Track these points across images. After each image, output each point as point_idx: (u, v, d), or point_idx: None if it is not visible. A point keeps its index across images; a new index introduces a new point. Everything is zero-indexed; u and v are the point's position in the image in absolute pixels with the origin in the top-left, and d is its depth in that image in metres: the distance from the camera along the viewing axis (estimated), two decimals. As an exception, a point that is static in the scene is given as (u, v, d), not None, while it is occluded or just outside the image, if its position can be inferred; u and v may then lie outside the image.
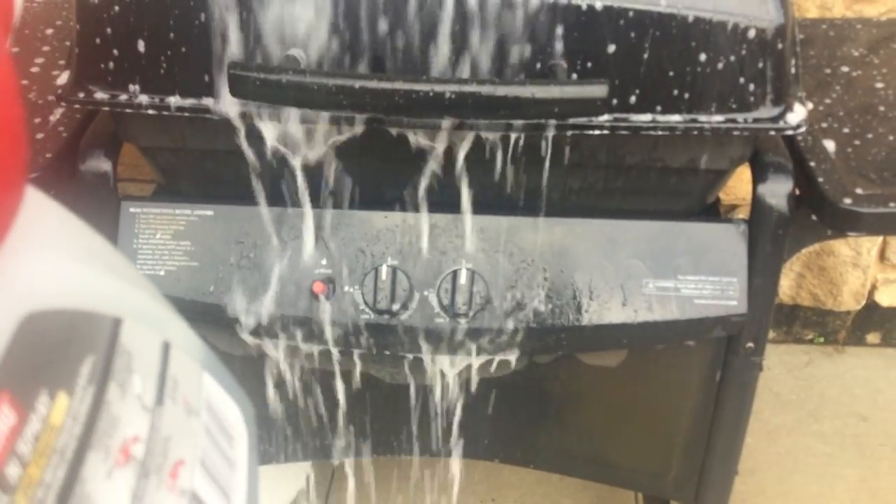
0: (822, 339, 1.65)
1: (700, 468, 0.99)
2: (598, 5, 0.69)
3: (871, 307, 1.59)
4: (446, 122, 0.71)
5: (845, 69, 0.98)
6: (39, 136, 0.85)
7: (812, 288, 1.57)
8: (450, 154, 0.78)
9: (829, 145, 0.85)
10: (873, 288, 1.57)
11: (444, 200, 0.83)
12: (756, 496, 1.40)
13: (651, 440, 1.01)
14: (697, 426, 0.96)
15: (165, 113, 0.75)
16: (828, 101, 0.92)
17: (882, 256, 1.52)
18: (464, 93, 0.65)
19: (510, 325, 0.84)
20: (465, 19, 0.68)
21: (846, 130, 0.87)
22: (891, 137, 0.86)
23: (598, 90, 0.67)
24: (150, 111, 0.75)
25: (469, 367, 0.92)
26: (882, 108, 0.91)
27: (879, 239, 1.49)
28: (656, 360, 0.94)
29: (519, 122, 0.71)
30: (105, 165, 0.85)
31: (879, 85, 0.95)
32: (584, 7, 0.69)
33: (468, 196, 0.81)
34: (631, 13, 0.69)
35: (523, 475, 1.40)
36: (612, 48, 0.70)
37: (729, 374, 0.91)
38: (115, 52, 0.74)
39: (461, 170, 0.78)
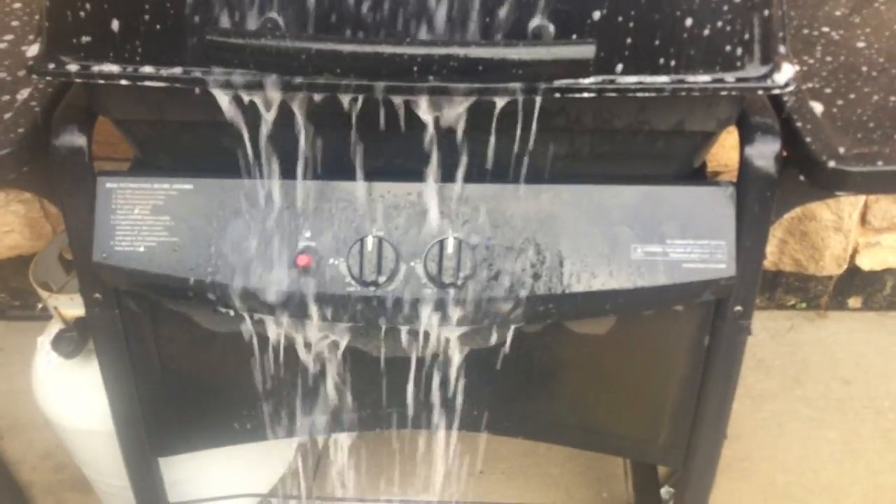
0: (804, 305, 1.66)
1: (689, 433, 0.99)
2: (584, -36, 0.67)
3: (853, 271, 1.60)
4: (432, 87, 0.69)
5: (826, 29, 0.97)
6: (8, 115, 0.82)
7: (794, 253, 1.57)
8: (435, 122, 0.76)
9: (816, 105, 0.84)
10: (855, 252, 1.58)
11: (429, 169, 0.82)
12: (742, 461, 1.41)
13: (640, 407, 1.00)
14: (686, 392, 0.96)
15: (140, 84, 0.73)
16: (811, 61, 0.92)
17: (863, 220, 1.53)
18: (450, 55, 0.64)
19: (498, 293, 0.83)
20: (447, -20, 0.66)
21: (829, 91, 0.87)
22: (875, 97, 0.86)
23: (586, 50, 0.66)
24: (124, 82, 0.73)
25: (457, 337, 0.91)
26: (865, 68, 0.90)
27: (860, 203, 1.50)
28: (645, 326, 0.93)
29: (506, 86, 0.70)
30: (79, 140, 0.82)
31: (861, 45, 0.94)
32: (569, -34, 0.67)
33: (455, 164, 0.80)
34: (616, -28, 0.67)
35: (511, 446, 1.41)
36: (598, 8, 0.68)
37: (717, 338, 0.91)
38: (86, 20, 0.71)
39: (447, 137, 0.76)
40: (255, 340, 0.93)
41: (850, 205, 1.49)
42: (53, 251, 1.16)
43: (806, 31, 0.97)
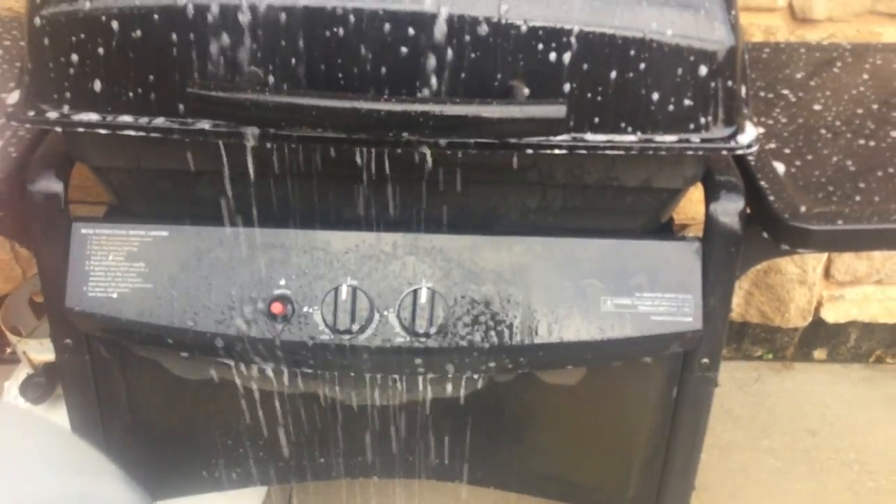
0: (770, 356, 1.69)
1: (658, 484, 1.00)
2: (556, 29, 0.70)
3: (818, 324, 1.63)
4: (406, 142, 0.71)
5: (786, 92, 1.01)
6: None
7: (760, 305, 1.60)
8: (409, 174, 0.78)
9: (778, 165, 0.87)
10: (819, 305, 1.61)
11: (403, 219, 0.83)
12: (710, 512, 1.41)
13: (610, 457, 1.01)
14: (655, 442, 0.97)
15: (118, 133, 0.74)
16: (771, 122, 0.95)
17: (827, 274, 1.57)
18: (424, 112, 0.66)
19: (470, 344, 0.84)
20: (424, 42, 0.69)
21: (789, 151, 0.90)
22: (834, 159, 0.89)
23: (557, 110, 0.68)
24: (103, 131, 0.74)
25: (429, 386, 0.91)
26: (823, 131, 0.94)
27: (824, 257, 1.54)
28: (614, 377, 0.95)
29: (479, 142, 0.72)
30: (55, 186, 0.83)
31: (817, 107, 0.98)
32: (542, 31, 0.70)
33: (429, 215, 0.81)
34: (587, 37, 0.70)
35: (482, 495, 1.40)
36: (569, 70, 0.71)
37: (685, 390, 0.92)
38: (67, 71, 0.73)
39: (421, 189, 0.78)
40: (226, 388, 0.93)
41: (814, 259, 1.53)
42: (24, 294, 1.16)
43: (766, 94, 1.01)
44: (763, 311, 1.61)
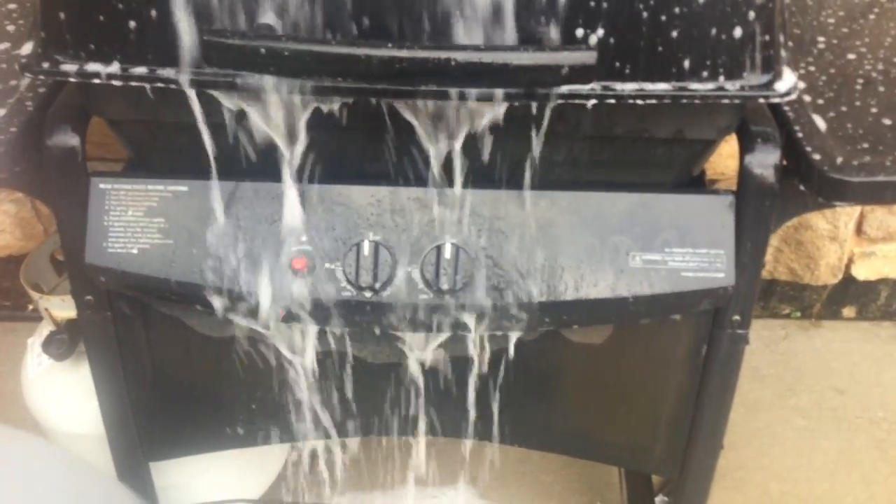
0: (798, 314, 1.66)
1: (685, 443, 0.99)
2: (586, -31, 0.67)
3: (848, 281, 1.60)
4: (430, 92, 0.69)
5: (821, 39, 0.97)
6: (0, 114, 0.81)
7: (789, 262, 1.57)
8: (434, 127, 0.76)
9: (816, 115, 0.84)
10: (850, 262, 1.58)
11: (427, 174, 0.81)
12: (736, 470, 1.40)
13: (636, 416, 1.00)
14: (683, 401, 0.96)
15: (134, 84, 0.72)
16: (804, 72, 0.91)
17: (859, 230, 1.53)
18: (449, 60, 0.63)
19: (495, 300, 0.82)
20: (449, -17, 0.66)
21: (825, 101, 0.86)
22: (873, 110, 0.86)
23: (587, 56, 0.65)
24: (117, 82, 0.72)
25: (452, 344, 0.90)
26: (860, 80, 0.90)
27: (856, 212, 1.50)
28: (642, 335, 0.93)
29: (505, 92, 0.69)
30: (73, 140, 0.81)
31: (853, 56, 0.94)
32: (571, -28, 0.67)
33: (453, 169, 0.79)
34: (619, -22, 0.67)
35: (505, 453, 1.40)
36: (599, 15, 0.68)
37: (715, 347, 0.90)
38: (81, 19, 0.71)
39: (446, 142, 0.76)
40: (247, 344, 0.92)
41: (845, 214, 1.49)
42: (45, 252, 1.15)
43: (799, 41, 0.97)
44: (792, 268, 1.58)
